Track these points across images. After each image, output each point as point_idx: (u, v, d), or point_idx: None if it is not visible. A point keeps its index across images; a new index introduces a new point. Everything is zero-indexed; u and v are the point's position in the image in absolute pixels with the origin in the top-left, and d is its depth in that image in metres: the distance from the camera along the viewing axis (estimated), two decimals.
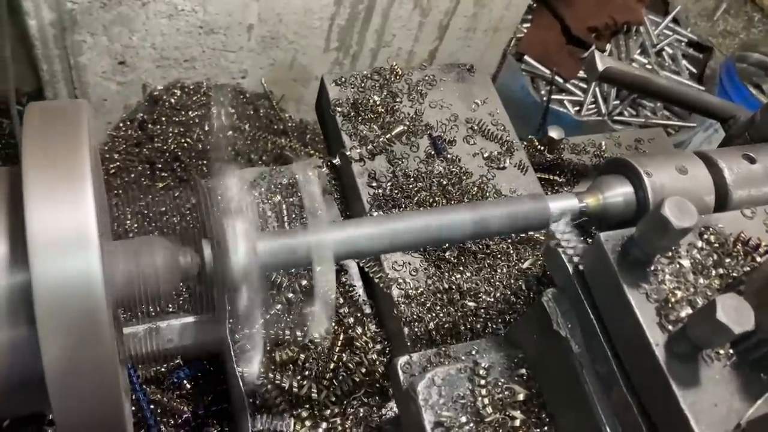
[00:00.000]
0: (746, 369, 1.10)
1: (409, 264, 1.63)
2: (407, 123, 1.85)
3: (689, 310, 1.12)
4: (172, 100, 2.87)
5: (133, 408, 1.60)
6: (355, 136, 1.81)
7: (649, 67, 3.87)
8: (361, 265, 1.66)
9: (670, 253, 1.17)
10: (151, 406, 1.67)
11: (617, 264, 1.15)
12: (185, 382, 1.75)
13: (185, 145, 2.77)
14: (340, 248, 1.24)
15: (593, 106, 3.77)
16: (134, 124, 2.91)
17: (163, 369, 1.75)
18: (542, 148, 1.96)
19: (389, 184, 1.74)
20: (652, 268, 1.15)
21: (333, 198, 1.81)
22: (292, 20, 2.87)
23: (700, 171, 1.48)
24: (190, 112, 2.86)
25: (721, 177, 1.48)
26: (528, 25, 3.86)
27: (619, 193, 1.45)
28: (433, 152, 1.82)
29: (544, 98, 3.66)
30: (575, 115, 3.69)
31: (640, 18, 3.96)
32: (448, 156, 1.82)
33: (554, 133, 1.95)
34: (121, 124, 2.94)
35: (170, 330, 1.65)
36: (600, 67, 1.78)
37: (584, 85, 3.80)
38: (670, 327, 1.10)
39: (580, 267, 1.23)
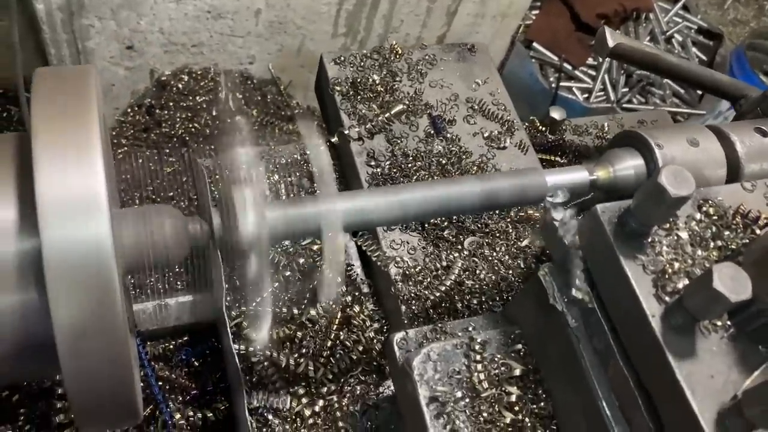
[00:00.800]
0: (744, 340, 1.08)
1: (407, 242, 1.62)
2: (407, 102, 1.83)
3: (687, 282, 1.11)
4: (180, 86, 2.86)
5: (142, 384, 1.60)
6: (353, 115, 1.79)
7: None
8: (359, 243, 1.65)
9: (667, 225, 1.15)
10: (159, 383, 1.66)
11: (613, 235, 1.13)
12: (193, 359, 1.75)
13: (193, 130, 2.76)
14: (349, 218, 1.23)
15: (602, 93, 3.74)
16: (142, 109, 2.89)
17: (171, 346, 1.74)
18: (544, 128, 1.94)
19: (388, 163, 1.72)
20: (650, 239, 1.14)
21: (332, 177, 1.80)
22: (300, 5, 2.85)
23: (712, 144, 1.47)
24: (197, 98, 2.84)
25: (733, 150, 1.47)
26: (537, 11, 3.83)
27: (630, 165, 1.44)
28: (432, 131, 1.81)
29: (553, 85, 3.63)
30: (584, 102, 3.66)
31: (649, 4, 3.92)
32: (448, 135, 1.80)
33: (556, 113, 1.93)
34: (129, 110, 2.92)
35: (177, 307, 1.65)
36: (610, 43, 1.76)
37: (593, 73, 3.77)
38: (666, 299, 1.09)
39: (577, 239, 1.22)
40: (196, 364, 1.76)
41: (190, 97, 2.84)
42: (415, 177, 1.69)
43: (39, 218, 0.87)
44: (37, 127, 0.92)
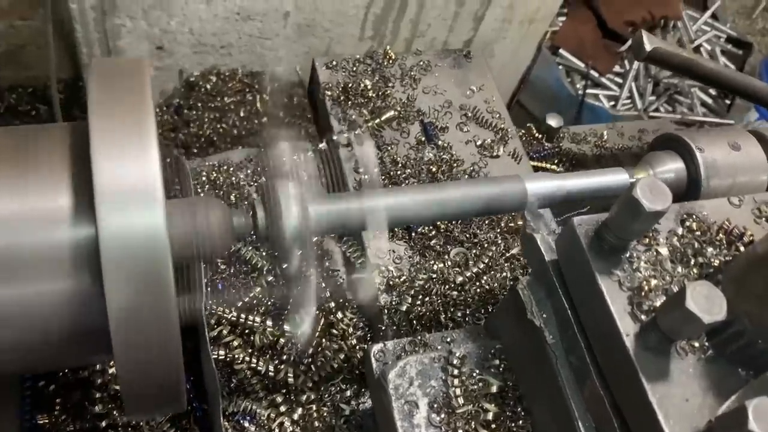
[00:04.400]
0: (722, 363, 1.02)
1: (393, 251, 1.59)
2: (398, 108, 1.79)
3: (664, 300, 1.06)
4: (208, 86, 2.86)
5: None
6: (343, 120, 1.76)
7: None
8: (343, 249, 1.62)
9: (647, 240, 1.10)
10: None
11: (589, 249, 1.08)
12: None
13: (220, 130, 2.77)
14: (392, 214, 1.21)
15: (629, 101, 3.67)
16: (170, 109, 2.91)
17: None
18: (540, 136, 1.89)
19: (376, 170, 1.69)
20: (628, 254, 1.08)
21: (320, 182, 1.76)
22: (328, 8, 2.82)
23: (754, 148, 1.43)
24: (225, 98, 2.84)
25: None
26: (564, 17, 3.77)
27: (671, 168, 1.42)
28: (423, 138, 1.77)
29: (579, 92, 3.58)
30: (610, 110, 3.60)
31: (678, 13, 3.84)
32: (440, 143, 1.76)
33: (553, 121, 1.88)
34: (158, 109, 2.92)
35: None
36: (648, 47, 1.71)
37: (620, 80, 3.69)
38: (642, 317, 1.03)
39: (555, 255, 1.18)
40: None
41: (218, 98, 2.84)
42: (403, 185, 1.66)
43: (96, 206, 0.87)
44: (94, 116, 0.92)
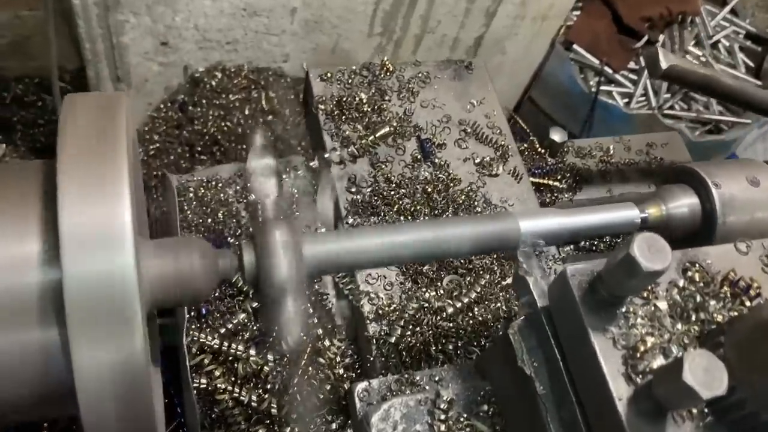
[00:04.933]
0: (723, 431, 0.96)
1: (384, 277, 1.51)
2: (394, 124, 1.71)
3: (662, 360, 0.97)
4: (213, 83, 2.81)
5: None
6: (337, 136, 1.68)
7: (703, 59, 3.65)
8: (333, 275, 1.55)
9: (645, 294, 1.03)
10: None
11: (582, 303, 1.00)
12: None
13: (225, 128, 2.71)
14: (382, 253, 1.15)
15: (643, 98, 3.57)
16: (175, 105, 2.86)
17: None
18: (543, 151, 1.81)
19: (369, 189, 1.61)
20: (624, 309, 1.01)
21: (312, 200, 1.69)
22: (336, 4, 2.76)
23: None
24: (230, 96, 2.79)
25: None
26: (578, 12, 3.67)
27: (685, 204, 1.35)
28: (420, 156, 1.69)
29: (593, 89, 3.49)
30: (624, 108, 3.50)
31: (696, 8, 3.72)
32: (436, 161, 1.68)
33: (556, 135, 1.79)
34: (162, 106, 2.89)
35: None
36: (664, 65, 1.62)
37: (634, 77, 3.59)
38: (637, 379, 0.96)
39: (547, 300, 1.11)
40: None
41: (223, 95, 2.79)
42: (397, 206, 1.58)
43: (61, 250, 0.84)
44: (63, 158, 0.89)
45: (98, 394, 0.86)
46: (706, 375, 0.84)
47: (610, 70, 3.60)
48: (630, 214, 1.29)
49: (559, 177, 1.87)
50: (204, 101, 2.78)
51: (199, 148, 2.73)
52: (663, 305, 1.02)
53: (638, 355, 0.97)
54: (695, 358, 0.85)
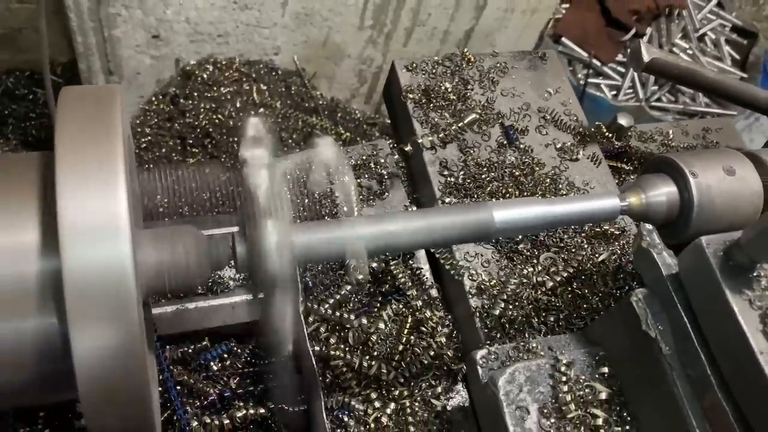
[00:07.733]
0: None
1: (481, 255, 1.61)
2: (479, 111, 1.81)
3: None
4: (205, 76, 2.83)
5: (160, 389, 1.59)
6: (426, 123, 1.78)
7: (690, 52, 3.82)
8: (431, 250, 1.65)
9: None
10: (177, 387, 1.65)
11: (719, 269, 1.13)
12: (212, 363, 1.72)
13: (216, 121, 2.72)
14: (374, 242, 1.19)
15: (631, 90, 3.73)
16: (166, 98, 2.89)
17: (189, 350, 1.72)
18: (610, 135, 1.92)
19: (461, 173, 1.71)
20: (755, 274, 1.13)
21: (400, 181, 1.78)
22: None
23: (750, 173, 1.42)
24: (222, 88, 2.81)
25: None
26: (567, 5, 3.81)
27: (663, 192, 1.39)
28: (504, 141, 1.80)
29: (581, 81, 3.60)
30: (612, 100, 3.65)
31: (683, 1, 3.90)
32: (520, 146, 1.79)
33: (623, 120, 1.91)
34: (154, 98, 2.91)
35: (198, 312, 1.63)
36: (646, 58, 1.72)
37: (622, 69, 3.77)
38: None
39: (674, 270, 1.22)
40: (215, 368, 1.74)
41: (215, 88, 2.81)
42: (488, 188, 1.68)
43: (60, 240, 0.87)
44: (60, 149, 0.92)
45: (97, 377, 0.90)
46: None
47: (598, 63, 3.77)
48: (611, 203, 1.35)
49: (625, 160, 1.99)
50: (195, 94, 2.81)
51: (191, 141, 2.76)
52: None
53: None
54: None
